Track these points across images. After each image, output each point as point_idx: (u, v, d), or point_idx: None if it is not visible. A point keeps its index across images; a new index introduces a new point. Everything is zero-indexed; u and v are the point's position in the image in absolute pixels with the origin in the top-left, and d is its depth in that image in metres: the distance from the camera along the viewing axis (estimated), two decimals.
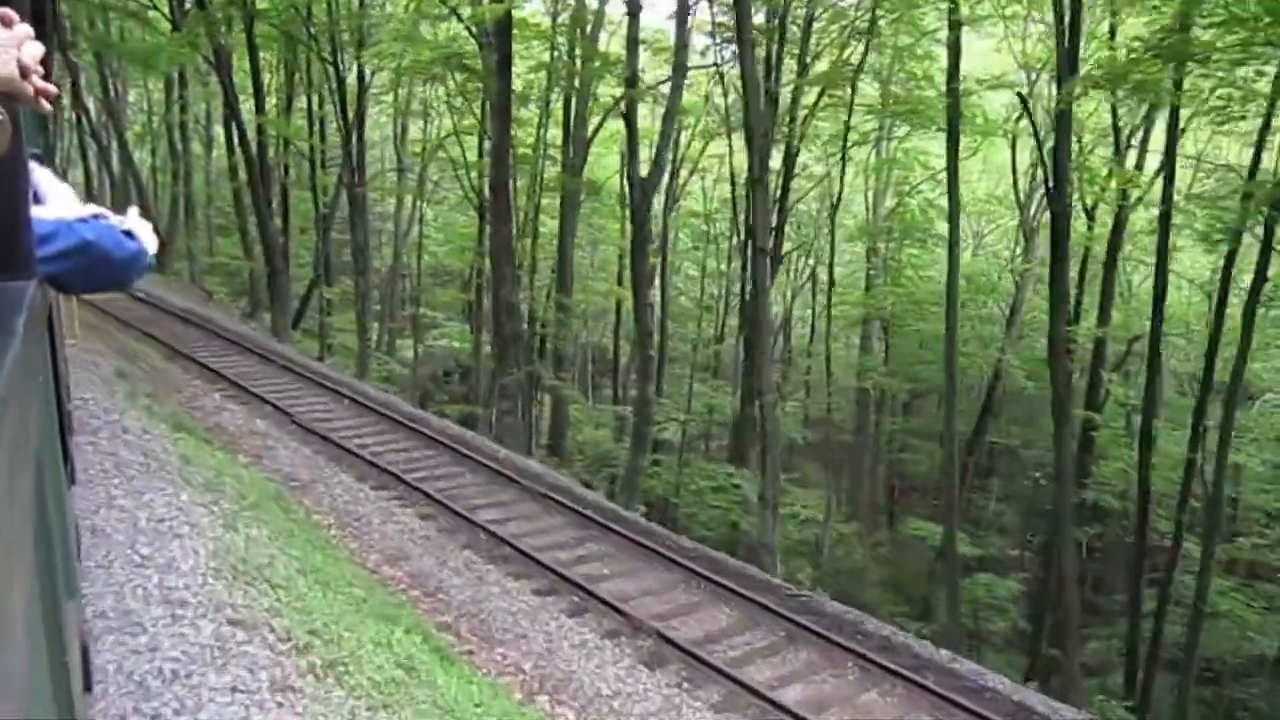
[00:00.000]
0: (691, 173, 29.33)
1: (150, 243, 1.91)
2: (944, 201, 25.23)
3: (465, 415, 26.77)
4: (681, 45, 16.91)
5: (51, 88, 1.18)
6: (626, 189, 17.96)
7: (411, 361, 30.88)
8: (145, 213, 2.09)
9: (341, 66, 23.75)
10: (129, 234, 1.83)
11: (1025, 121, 21.38)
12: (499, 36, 17.27)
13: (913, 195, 25.57)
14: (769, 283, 15.42)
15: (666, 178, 24.33)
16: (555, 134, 26.79)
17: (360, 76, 23.44)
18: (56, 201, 1.89)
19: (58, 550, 1.44)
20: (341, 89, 23.58)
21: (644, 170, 17.92)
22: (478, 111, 25.11)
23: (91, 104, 36.56)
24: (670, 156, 17.67)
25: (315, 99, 27.66)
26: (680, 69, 16.95)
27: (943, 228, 24.76)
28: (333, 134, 32.93)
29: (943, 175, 25.32)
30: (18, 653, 0.73)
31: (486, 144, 25.93)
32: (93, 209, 1.85)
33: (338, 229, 38.65)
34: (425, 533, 11.52)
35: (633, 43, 16.75)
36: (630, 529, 12.46)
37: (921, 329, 25.05)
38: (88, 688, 2.31)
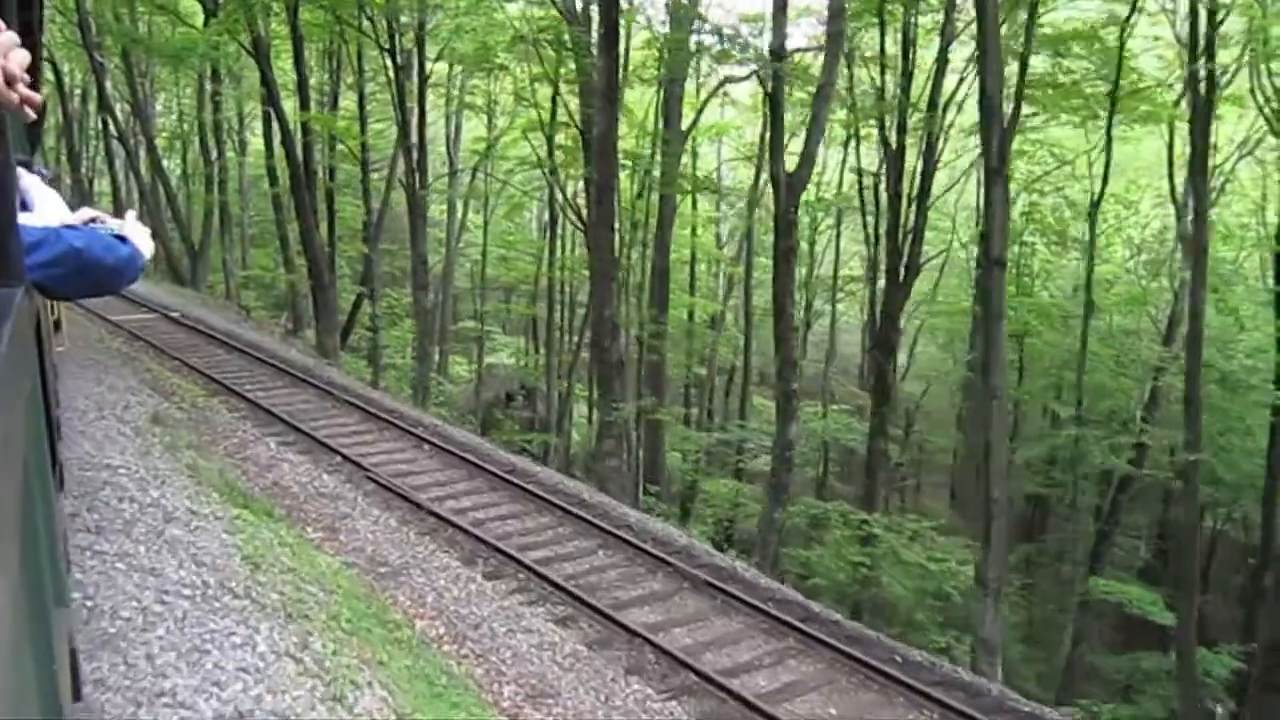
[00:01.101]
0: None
1: (145, 247, 1.90)
2: (1083, 199, 22.03)
3: (540, 446, 23.86)
4: (838, 10, 13.79)
5: (37, 96, 1.17)
6: (772, 188, 15.03)
7: (471, 383, 27.98)
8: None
9: (400, 55, 20.90)
10: (120, 239, 1.81)
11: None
12: (607, 3, 14.27)
13: (1043, 192, 22.31)
14: (1002, 304, 12.27)
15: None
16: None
17: (420, 67, 20.58)
18: (44, 208, 1.93)
19: (45, 558, 1.37)
20: (399, 81, 20.75)
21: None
22: (556, 101, 22.18)
23: (119, 109, 34.09)
24: (819, 148, 14.70)
25: (361, 95, 24.80)
26: (837, 38, 13.88)
27: (1079, 229, 21.51)
28: (378, 132, 30.20)
29: (1075, 167, 22.12)
30: (4, 660, 0.72)
31: (559, 139, 23.01)
32: (86, 213, 1.89)
33: (385, 238, 35.93)
34: (569, 648, 8.51)
35: (780, 5, 13.63)
36: (832, 633, 9.38)
37: (1055, 341, 21.78)
38: (76, 697, 2.13)
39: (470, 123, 31.98)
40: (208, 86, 31.91)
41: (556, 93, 23.38)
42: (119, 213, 2.19)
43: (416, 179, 21.06)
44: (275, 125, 25.14)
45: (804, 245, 33.37)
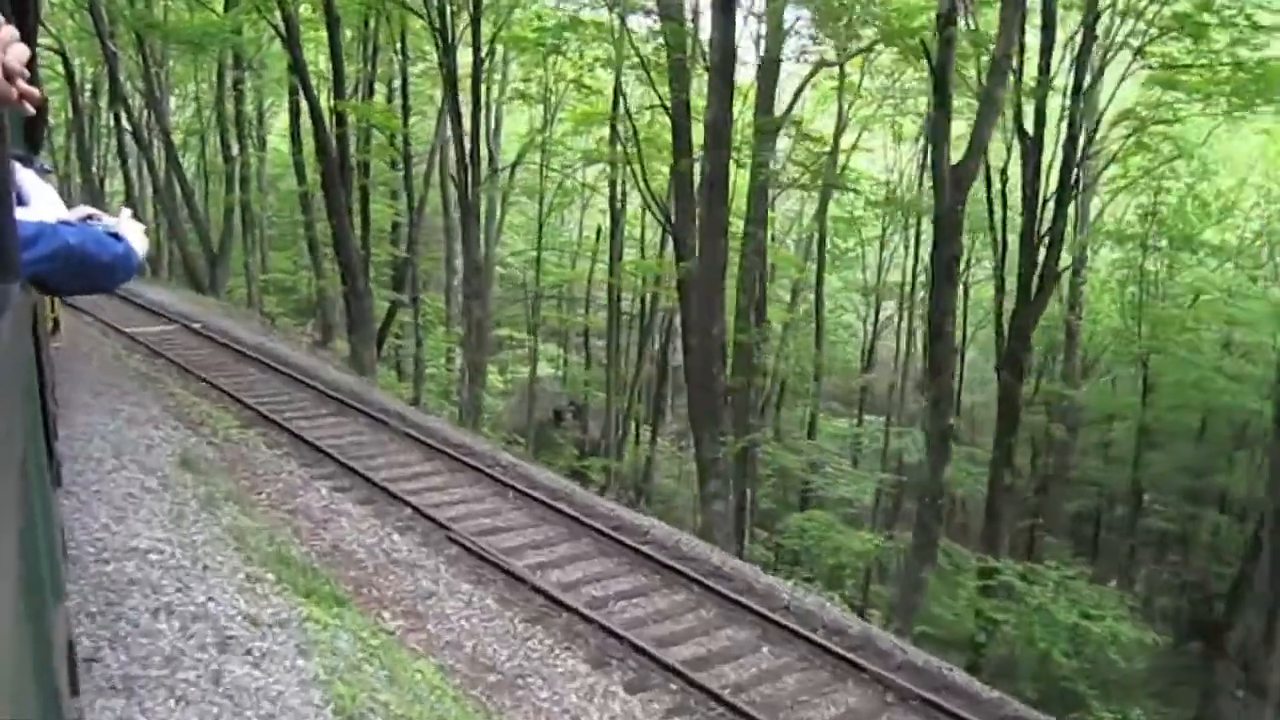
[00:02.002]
0: None
1: (140, 245, 1.91)
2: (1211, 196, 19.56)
3: (600, 473, 21.54)
4: None
5: (36, 91, 1.17)
6: (931, 183, 12.71)
7: (513, 398, 25.62)
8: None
9: (452, 36, 18.55)
10: (115, 236, 1.81)
11: None
12: None
13: (1168, 189, 19.81)
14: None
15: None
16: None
17: (476, 46, 18.24)
18: (40, 204, 1.92)
19: (43, 552, 1.38)
20: (450, 63, 18.39)
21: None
22: (620, 86, 19.85)
23: (132, 102, 31.81)
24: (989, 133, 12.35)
25: (404, 80, 22.42)
26: (1016, 2, 11.48)
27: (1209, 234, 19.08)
28: (413, 124, 27.90)
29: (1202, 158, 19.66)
30: (4, 656, 0.72)
31: (621, 129, 20.62)
32: (82, 210, 1.90)
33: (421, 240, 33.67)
34: None
35: None
36: None
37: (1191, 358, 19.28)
38: (74, 691, 2.12)
39: (509, 115, 29.66)
40: (228, 77, 29.68)
41: (620, 77, 21.05)
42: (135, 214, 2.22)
43: (469, 175, 18.72)
44: (305, 116, 22.87)
45: (863, 248, 31.01)
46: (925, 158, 25.11)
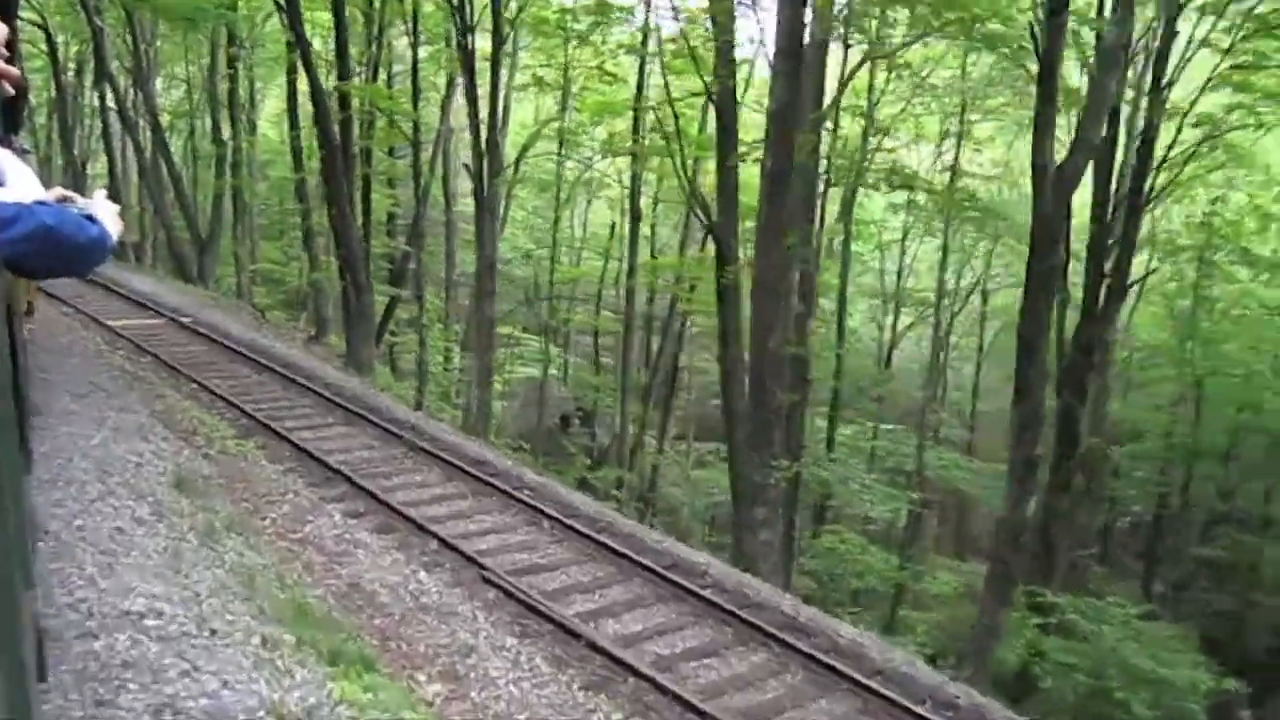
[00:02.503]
0: None
1: (114, 227, 1.90)
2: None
3: (611, 482, 20.31)
4: None
5: (14, 70, 1.16)
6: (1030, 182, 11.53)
7: (514, 402, 24.29)
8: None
9: (469, 15, 17.18)
10: (90, 219, 1.81)
11: None
12: None
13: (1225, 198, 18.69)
14: None
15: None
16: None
17: (496, 26, 16.87)
18: (18, 184, 1.90)
19: (12, 540, 1.41)
20: (469, 44, 17.02)
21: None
22: (644, 72, 18.55)
23: (118, 81, 30.16)
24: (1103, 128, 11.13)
25: (414, 63, 20.99)
26: None
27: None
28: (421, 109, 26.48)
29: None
30: None
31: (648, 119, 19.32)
32: (58, 192, 1.91)
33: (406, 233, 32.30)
34: None
35: None
36: None
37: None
38: (41, 678, 2.17)
39: (515, 105, 28.24)
40: (220, 56, 28.16)
41: (645, 63, 19.76)
42: (116, 197, 2.38)
43: (485, 165, 17.36)
44: (306, 99, 21.42)
45: (881, 252, 29.86)
46: (955, 157, 24.03)
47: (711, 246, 24.99)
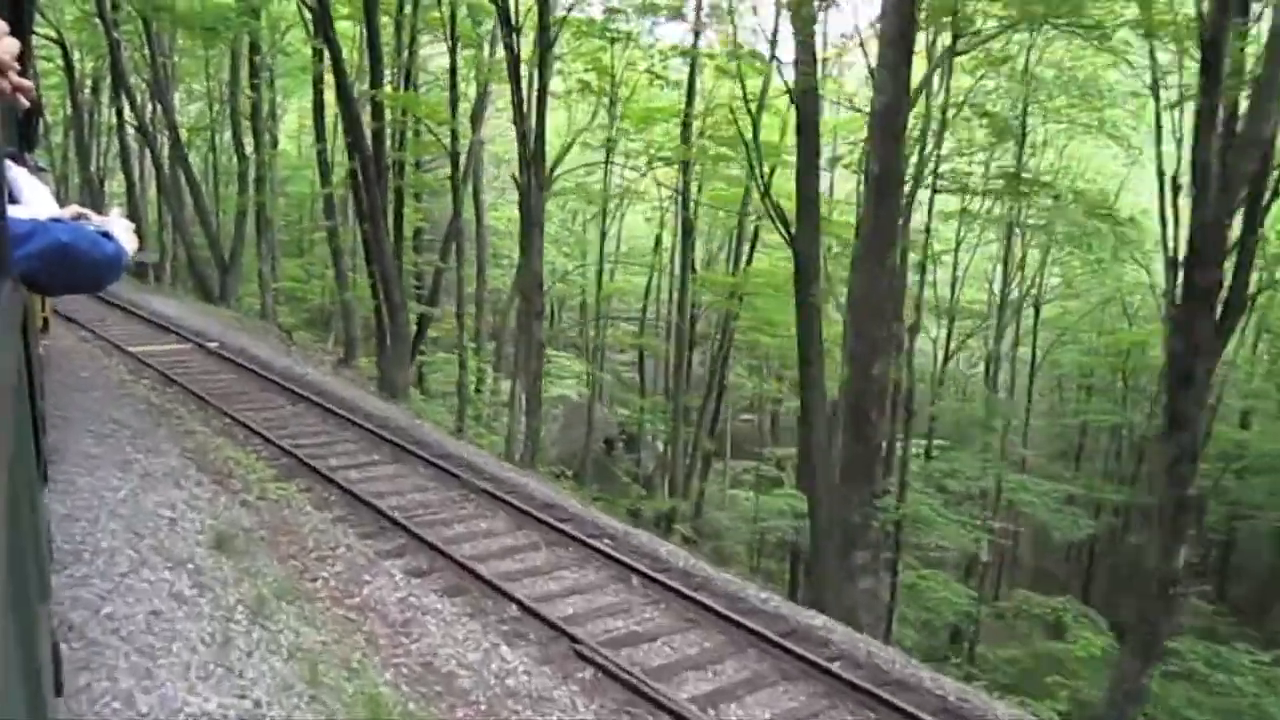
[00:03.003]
0: None
1: (129, 244, 1.90)
2: None
3: (685, 525, 19.03)
4: None
5: (29, 85, 1.17)
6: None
7: (567, 425, 23.01)
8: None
9: (515, 16, 16.01)
10: (106, 235, 1.81)
11: None
12: None
13: None
14: None
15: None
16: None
17: (543, 28, 15.65)
18: (33, 201, 1.94)
19: (29, 553, 1.39)
20: (515, 46, 15.81)
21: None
22: (695, 73, 17.32)
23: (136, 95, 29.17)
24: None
25: (452, 68, 19.79)
26: None
27: None
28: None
29: None
30: None
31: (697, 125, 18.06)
32: (73, 209, 1.90)
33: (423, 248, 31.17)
34: None
35: None
36: None
37: None
38: (58, 691, 2.14)
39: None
40: (242, 67, 27.14)
41: (694, 65, 18.54)
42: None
43: (532, 175, 16.14)
44: (329, 110, 20.33)
45: (934, 263, 28.50)
46: (1018, 159, 22.68)
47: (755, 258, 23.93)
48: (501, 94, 26.56)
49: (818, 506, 12.76)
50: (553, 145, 26.51)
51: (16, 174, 1.95)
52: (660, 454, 23.73)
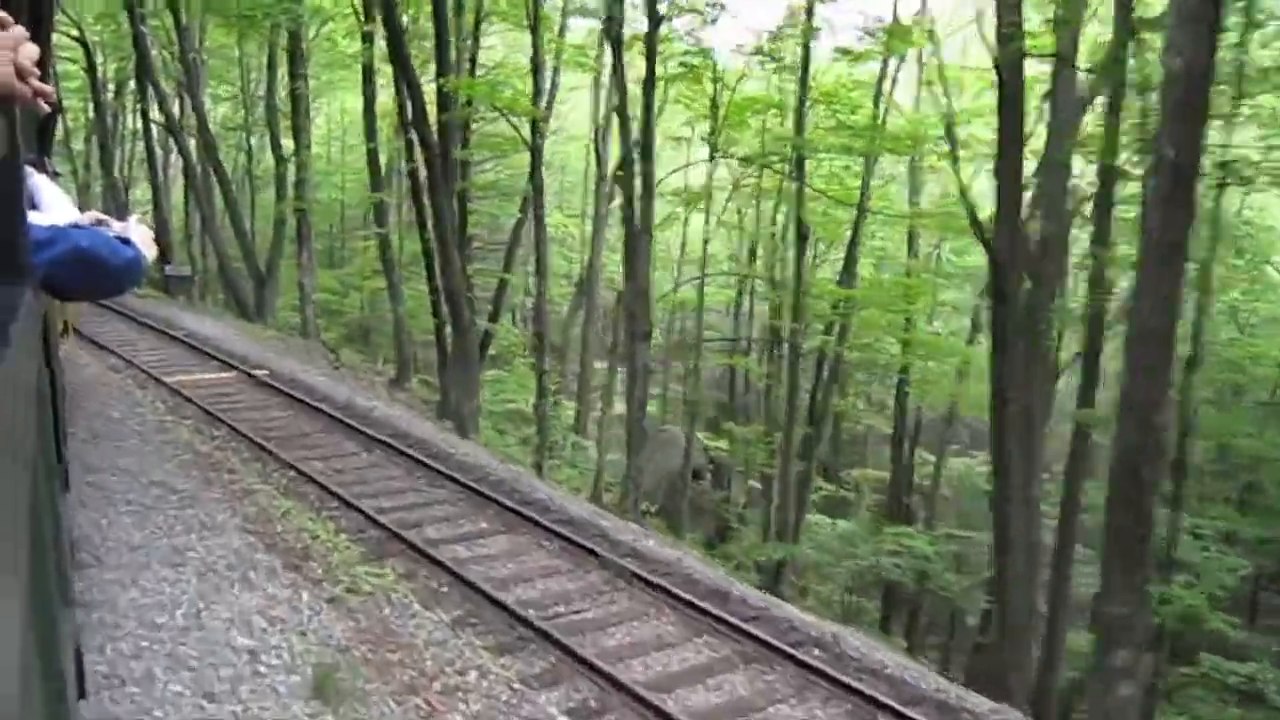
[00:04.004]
0: None
1: (148, 251, 1.90)
2: None
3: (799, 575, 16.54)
4: None
5: (49, 89, 1.17)
6: None
7: (646, 454, 20.47)
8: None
9: None
10: (125, 241, 1.81)
11: None
12: None
13: None
14: None
15: None
16: None
17: (652, 5, 13.17)
18: (53, 207, 1.94)
19: (51, 558, 1.38)
20: (617, 30, 13.32)
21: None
22: (808, 53, 14.76)
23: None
24: None
25: (535, 52, 17.25)
26: None
27: None
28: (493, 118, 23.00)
29: None
30: (12, 658, 0.74)
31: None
32: (92, 215, 1.90)
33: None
34: None
35: None
36: None
37: None
38: (81, 695, 2.09)
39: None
40: (280, 61, 24.84)
41: (809, 46, 16.02)
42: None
43: (638, 175, 13.63)
44: (399, 103, 17.98)
45: None
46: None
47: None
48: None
49: (1010, 576, 10.27)
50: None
51: (37, 180, 1.95)
52: (751, 487, 21.22)
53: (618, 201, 26.40)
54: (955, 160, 11.81)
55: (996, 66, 10.02)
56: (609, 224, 25.29)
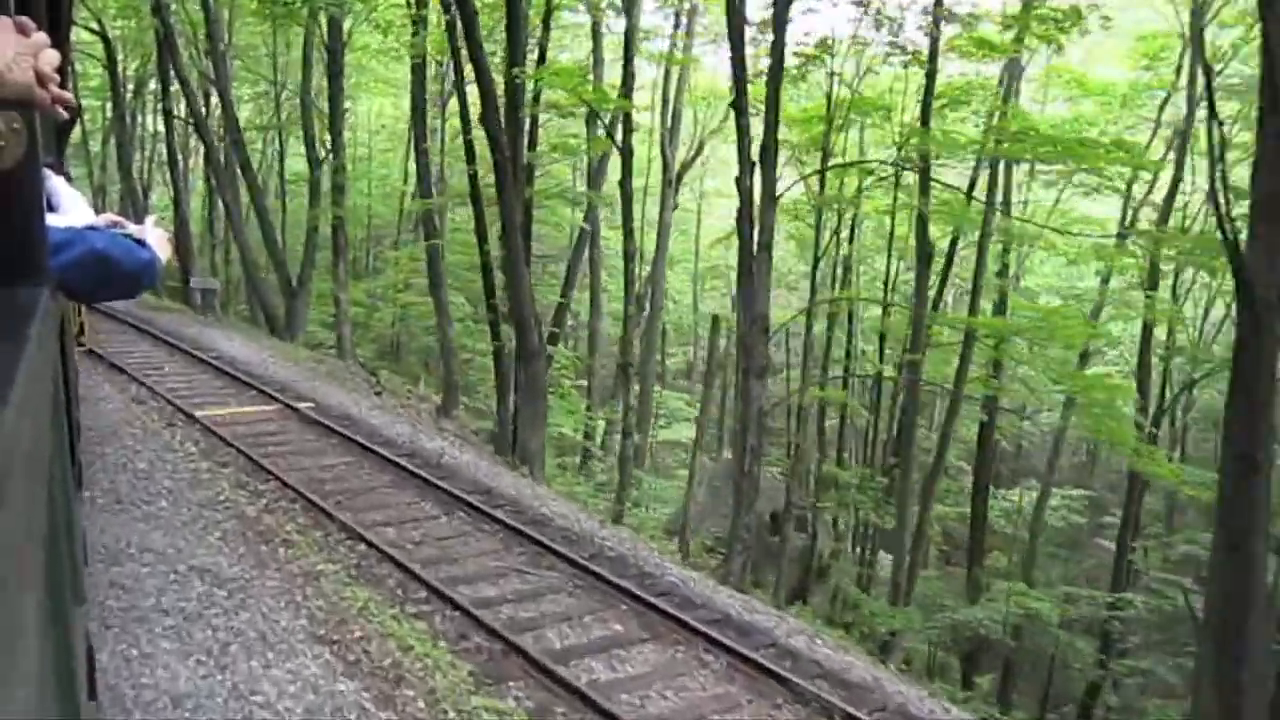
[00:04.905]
0: None
1: (163, 253, 1.90)
2: None
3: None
4: None
5: (69, 95, 1.18)
6: None
7: (714, 492, 18.29)
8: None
9: None
10: (140, 243, 1.81)
11: None
12: None
13: None
14: None
15: None
16: None
17: None
18: (70, 209, 1.95)
19: (65, 557, 1.40)
20: (740, 7, 11.16)
21: None
22: (936, 47, 12.59)
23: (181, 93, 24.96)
24: None
25: (628, 39, 15.14)
26: None
27: None
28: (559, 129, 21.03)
29: None
30: (29, 656, 0.74)
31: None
32: (108, 217, 1.90)
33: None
34: None
35: None
36: None
37: None
38: (92, 695, 2.11)
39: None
40: (315, 55, 22.87)
41: (937, 30, 13.86)
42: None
43: (759, 180, 11.43)
44: (460, 99, 15.96)
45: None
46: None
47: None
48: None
49: (1241, 644, 8.18)
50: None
51: (54, 182, 1.93)
52: (837, 532, 18.99)
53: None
54: (1216, 158, 9.56)
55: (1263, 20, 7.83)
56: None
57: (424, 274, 28.37)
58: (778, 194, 12.14)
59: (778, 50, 11.54)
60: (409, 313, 29.40)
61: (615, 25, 21.06)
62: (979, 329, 15.29)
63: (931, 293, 17.90)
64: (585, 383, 24.19)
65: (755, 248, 11.57)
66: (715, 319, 15.54)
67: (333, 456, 11.10)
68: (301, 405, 13.05)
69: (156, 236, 1.85)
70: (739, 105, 11.57)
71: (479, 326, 24.66)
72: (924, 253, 14.50)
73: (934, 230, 17.54)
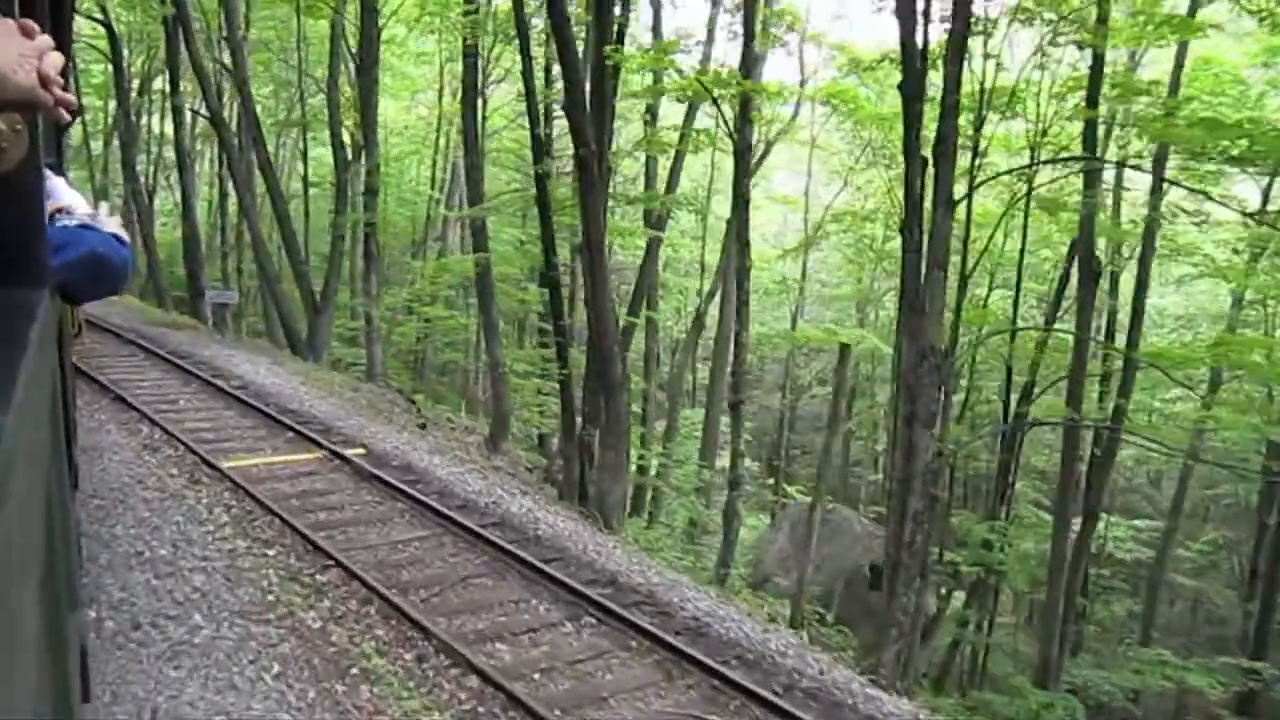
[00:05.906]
0: None
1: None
2: None
3: None
4: None
5: (71, 98, 1.15)
6: None
7: (814, 542, 15.89)
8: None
9: None
10: (119, 239, 1.75)
11: None
12: None
13: None
14: None
15: None
16: None
17: None
18: (71, 211, 1.88)
19: (60, 559, 1.36)
20: None
21: None
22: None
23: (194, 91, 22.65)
24: None
25: (709, 30, 12.86)
26: None
27: None
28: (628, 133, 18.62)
29: None
30: (28, 656, 0.72)
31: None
32: (84, 212, 1.80)
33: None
34: None
35: None
36: None
37: None
38: (85, 698, 2.08)
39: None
40: (345, 46, 20.61)
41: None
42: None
43: (939, 185, 9.08)
44: (527, 87, 13.71)
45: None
46: None
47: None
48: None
49: None
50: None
51: (53, 181, 1.84)
52: (942, 594, 16.64)
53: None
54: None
55: None
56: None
57: (447, 286, 26.20)
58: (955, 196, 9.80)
59: (961, 18, 9.23)
60: (432, 328, 27.17)
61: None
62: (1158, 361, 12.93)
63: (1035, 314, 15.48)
64: (639, 409, 21.90)
65: (924, 266, 9.24)
66: (844, 347, 13.21)
67: (403, 528, 8.69)
68: (350, 453, 10.65)
69: (115, 224, 1.77)
70: (908, 90, 9.25)
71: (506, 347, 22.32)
72: (1088, 271, 12.19)
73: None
